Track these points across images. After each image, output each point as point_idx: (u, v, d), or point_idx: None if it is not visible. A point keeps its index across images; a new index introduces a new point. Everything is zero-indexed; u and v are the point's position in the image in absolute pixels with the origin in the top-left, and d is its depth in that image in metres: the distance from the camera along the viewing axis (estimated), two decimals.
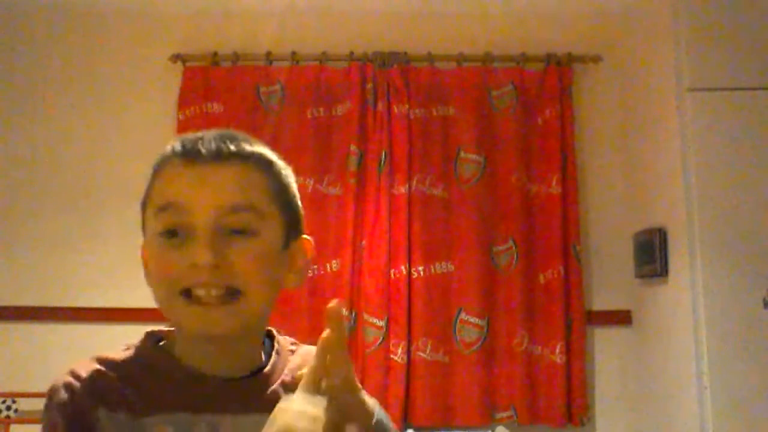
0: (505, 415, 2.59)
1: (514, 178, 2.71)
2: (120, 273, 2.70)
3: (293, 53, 2.78)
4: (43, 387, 2.78)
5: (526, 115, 2.77)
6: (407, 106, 2.74)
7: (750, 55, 2.22)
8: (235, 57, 2.78)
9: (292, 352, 0.85)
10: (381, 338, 2.57)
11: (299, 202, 0.82)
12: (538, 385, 2.60)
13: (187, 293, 0.72)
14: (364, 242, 2.65)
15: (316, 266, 2.63)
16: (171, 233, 0.72)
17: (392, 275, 2.62)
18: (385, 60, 2.78)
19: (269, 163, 0.78)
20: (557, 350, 2.60)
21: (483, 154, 2.73)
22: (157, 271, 0.74)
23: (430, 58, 2.78)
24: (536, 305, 2.66)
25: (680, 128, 2.24)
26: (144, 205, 0.78)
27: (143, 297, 2.97)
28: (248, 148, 0.76)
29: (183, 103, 2.76)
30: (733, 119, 2.20)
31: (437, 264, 2.67)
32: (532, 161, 2.74)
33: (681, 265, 2.25)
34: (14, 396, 2.58)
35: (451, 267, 2.67)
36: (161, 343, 0.81)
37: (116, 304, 2.68)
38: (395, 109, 2.73)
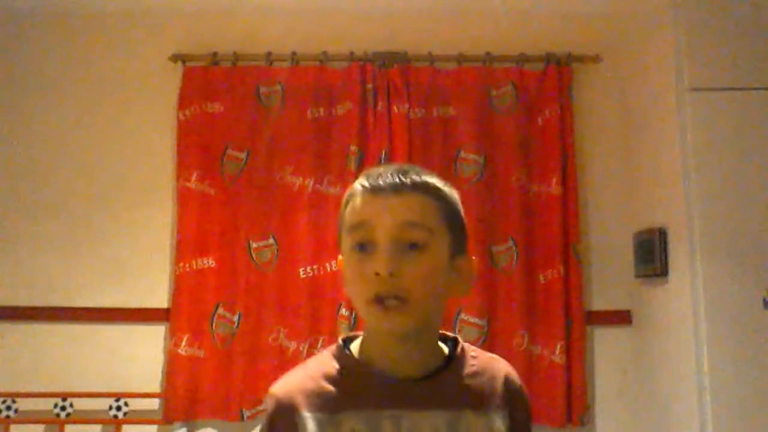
0: None
1: (514, 178, 2.71)
2: (119, 273, 2.70)
3: (293, 53, 2.78)
4: (43, 387, 2.77)
5: (526, 115, 2.77)
6: (407, 106, 2.74)
7: (750, 55, 2.22)
8: (235, 57, 2.78)
9: (474, 357, 0.98)
10: None
11: (464, 225, 0.96)
12: (538, 385, 2.60)
13: (377, 299, 0.86)
14: None
15: (316, 266, 2.63)
16: (361, 246, 0.89)
17: None
18: (385, 60, 2.78)
19: (437, 190, 0.93)
20: (557, 350, 2.60)
21: (483, 154, 2.73)
22: (353, 279, 0.90)
23: (430, 58, 2.78)
24: (536, 305, 2.66)
25: (680, 128, 2.24)
26: (339, 227, 0.94)
27: (142, 297, 2.96)
28: (418, 179, 0.91)
29: (183, 103, 2.76)
30: (733, 119, 2.20)
31: None
32: (532, 161, 2.74)
33: (681, 265, 2.25)
34: (14, 396, 2.58)
35: None
36: (355, 345, 0.95)
37: (116, 304, 2.68)
38: (395, 109, 2.73)
